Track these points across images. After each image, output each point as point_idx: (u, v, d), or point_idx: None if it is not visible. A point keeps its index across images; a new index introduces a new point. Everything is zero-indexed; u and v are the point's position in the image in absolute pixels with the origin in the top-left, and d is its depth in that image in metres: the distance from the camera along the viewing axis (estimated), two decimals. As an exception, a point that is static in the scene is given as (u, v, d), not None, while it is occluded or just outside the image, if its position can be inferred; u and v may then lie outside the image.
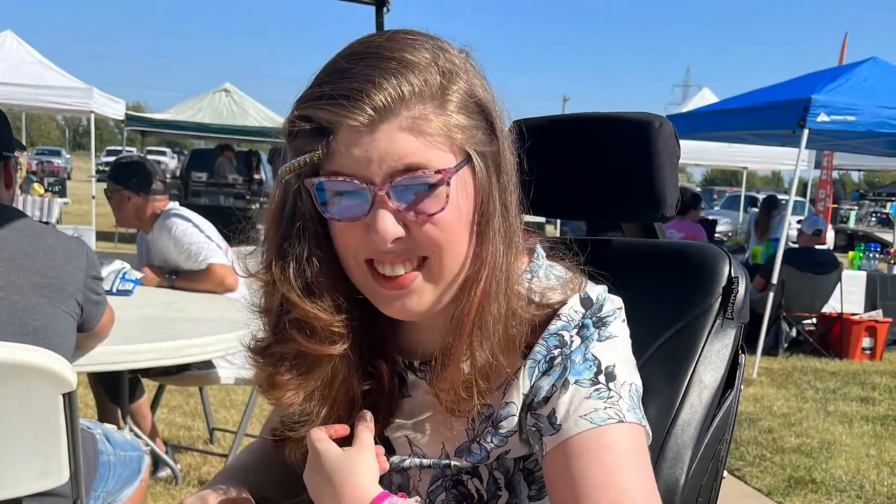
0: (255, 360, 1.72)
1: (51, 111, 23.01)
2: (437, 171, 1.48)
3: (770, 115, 11.97)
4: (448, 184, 1.50)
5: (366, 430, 1.67)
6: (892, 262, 14.52)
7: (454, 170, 1.51)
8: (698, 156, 23.91)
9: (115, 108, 23.14)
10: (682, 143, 2.11)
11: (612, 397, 1.56)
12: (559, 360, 1.61)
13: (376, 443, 1.69)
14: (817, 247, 13.11)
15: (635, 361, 1.69)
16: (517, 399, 1.64)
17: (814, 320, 13.16)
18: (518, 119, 1.97)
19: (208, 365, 5.75)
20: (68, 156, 71.69)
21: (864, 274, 13.62)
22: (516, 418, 1.65)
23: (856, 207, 41.14)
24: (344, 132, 1.46)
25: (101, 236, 21.09)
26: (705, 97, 25.50)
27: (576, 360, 1.59)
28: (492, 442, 1.67)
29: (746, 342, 2.04)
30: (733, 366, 1.96)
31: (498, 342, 1.60)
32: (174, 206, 6.18)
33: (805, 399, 9.80)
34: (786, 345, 12.62)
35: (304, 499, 1.83)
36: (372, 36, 1.57)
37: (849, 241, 31.82)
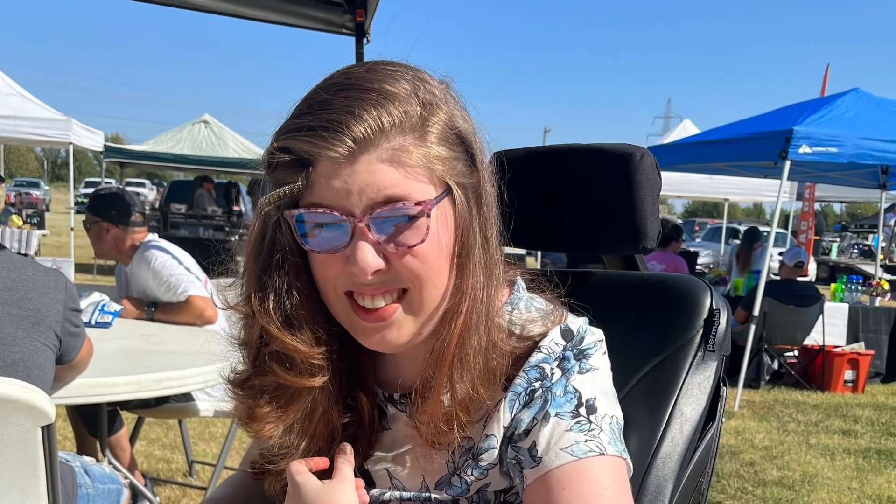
0: (235, 393, 1.71)
1: (30, 143, 23.00)
2: (418, 203, 1.47)
3: (752, 146, 12.01)
4: (428, 215, 1.49)
5: (346, 462, 1.66)
6: (874, 294, 14.55)
7: (434, 201, 1.50)
8: (680, 187, 24.01)
9: (93, 140, 23.20)
10: (664, 174, 2.11)
11: (592, 430, 1.55)
12: (540, 392, 1.60)
13: (356, 475, 1.68)
14: (799, 279, 13.14)
15: (616, 394, 1.68)
16: (498, 432, 1.63)
17: (796, 352, 13.17)
18: (499, 150, 1.97)
19: (187, 397, 5.74)
20: (47, 187, 71.78)
21: (846, 306, 13.65)
22: (497, 451, 1.64)
23: (838, 239, 41.27)
24: (324, 163, 1.46)
25: (80, 268, 21.06)
26: (687, 128, 25.66)
27: (556, 393, 1.59)
28: (472, 475, 1.66)
29: (728, 374, 2.04)
30: (715, 398, 1.95)
31: (478, 374, 1.59)
32: (153, 237, 6.18)
33: (787, 432, 9.80)
34: (767, 377, 12.64)
35: (284, 532, 1.82)
36: (352, 67, 1.57)
37: (831, 272, 31.90)
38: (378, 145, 1.45)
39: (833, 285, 14.87)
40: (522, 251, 14.01)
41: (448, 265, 1.57)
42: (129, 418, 6.39)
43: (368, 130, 1.44)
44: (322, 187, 1.47)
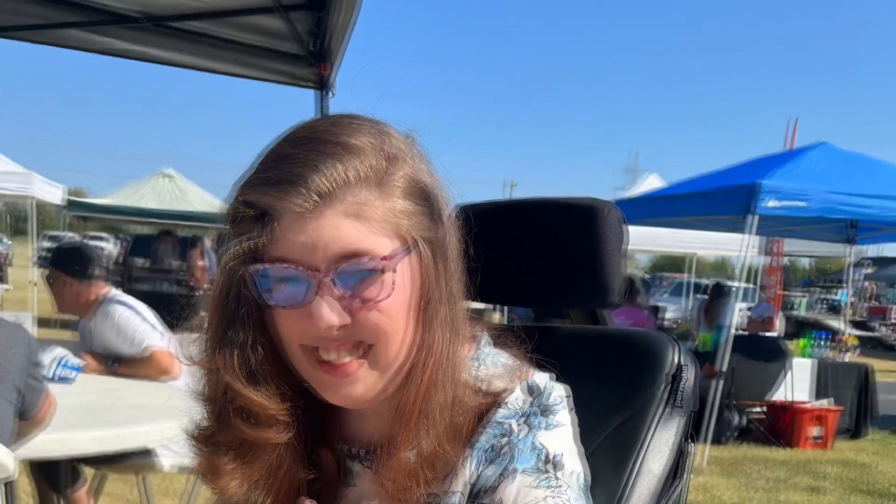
0: (199, 449, 1.69)
1: (-10, 196, 23.02)
2: (384, 258, 1.47)
3: (719, 200, 12.07)
4: (394, 270, 1.48)
5: (309, 520, 1.64)
6: (842, 349, 14.61)
7: (400, 256, 1.50)
8: (646, 241, 24.06)
9: (55, 194, 23.13)
10: (630, 228, 2.11)
11: (559, 486, 1.54)
12: (505, 448, 1.59)
13: (320, 532, 1.67)
14: (766, 334, 13.20)
15: (583, 450, 1.67)
16: (462, 488, 1.61)
17: (763, 408, 13.20)
18: (464, 204, 1.96)
19: (150, 453, 5.69)
20: (9, 241, 71.34)
21: (813, 362, 13.69)
22: (461, 508, 1.62)
23: (805, 294, 41.53)
24: (287, 218, 1.45)
25: (42, 322, 20.90)
26: (653, 183, 25.74)
27: (522, 449, 1.57)
28: (437, 531, 1.64)
29: (694, 429, 2.03)
30: (681, 454, 1.95)
31: (444, 430, 1.58)
32: (116, 292, 6.21)
33: (755, 488, 9.80)
34: (736, 433, 12.64)
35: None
36: (315, 121, 1.57)
37: (798, 328, 32.08)
38: (343, 199, 1.45)
39: (800, 341, 14.93)
40: (490, 306, 14.00)
41: (413, 320, 1.57)
42: (91, 474, 6.34)
43: (333, 184, 1.44)
44: (286, 242, 1.46)
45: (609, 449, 1.90)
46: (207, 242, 19.86)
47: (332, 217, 1.45)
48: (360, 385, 1.58)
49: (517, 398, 1.64)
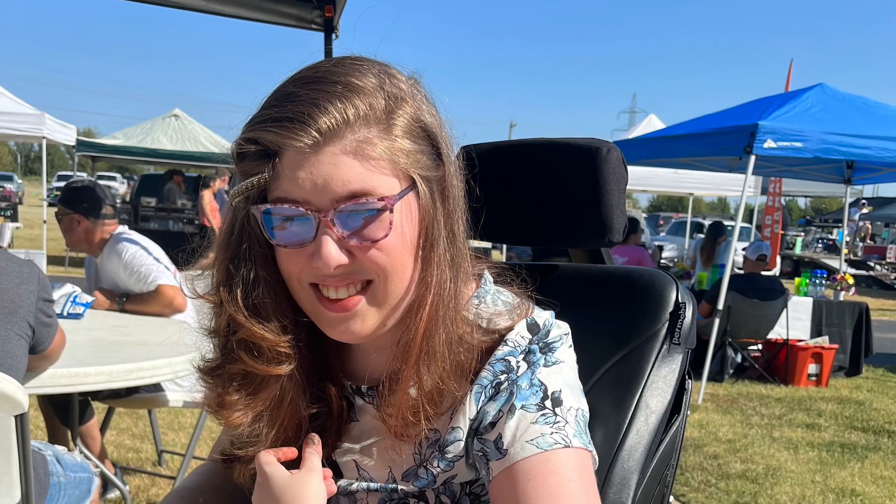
0: (205, 381, 1.73)
1: (3, 137, 22.95)
2: (381, 198, 1.49)
3: (717, 141, 12.01)
4: (392, 210, 1.50)
5: (314, 453, 1.67)
6: (838, 288, 14.62)
7: (398, 196, 1.52)
8: (645, 182, 24.07)
9: (66, 134, 23.11)
10: (629, 168, 2.12)
11: (558, 422, 1.56)
12: (506, 385, 1.61)
13: (324, 466, 1.70)
14: (764, 273, 13.19)
15: (582, 386, 1.69)
16: (464, 424, 1.64)
17: (759, 346, 13.23)
18: (466, 145, 1.97)
19: (157, 388, 5.77)
20: (20, 181, 71.52)
21: (810, 300, 13.70)
22: (463, 443, 1.65)
23: (802, 234, 41.55)
24: (289, 154, 1.47)
25: (52, 260, 21.05)
26: (652, 123, 25.68)
27: (522, 386, 1.60)
28: (438, 466, 1.67)
29: (692, 368, 2.05)
30: (680, 391, 1.96)
31: (446, 367, 1.60)
32: (123, 230, 6.23)
33: (750, 425, 9.85)
34: (731, 371, 12.68)
35: (253, 521, 1.83)
36: (320, 62, 1.59)
37: (795, 267, 32.13)
38: (343, 137, 1.47)
39: (797, 279, 14.93)
40: (488, 245, 14.00)
41: (412, 258, 1.59)
42: (99, 408, 6.42)
43: (333, 122, 1.46)
44: (287, 179, 1.48)
45: (608, 385, 1.92)
46: (219, 183, 19.77)
47: (332, 154, 1.47)
48: (358, 320, 1.60)
49: (518, 336, 1.66)
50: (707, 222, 27.62)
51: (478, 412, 1.63)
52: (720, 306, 11.03)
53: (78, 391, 4.72)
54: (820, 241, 39.33)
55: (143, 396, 5.82)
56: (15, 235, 23.96)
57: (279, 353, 1.64)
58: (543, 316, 1.71)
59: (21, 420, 3.20)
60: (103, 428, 6.57)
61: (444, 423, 1.67)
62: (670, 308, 1.98)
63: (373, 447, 1.76)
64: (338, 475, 1.80)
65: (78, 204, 6.03)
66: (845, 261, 19.35)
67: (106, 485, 5.94)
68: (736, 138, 11.19)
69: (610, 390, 1.91)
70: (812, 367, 12.57)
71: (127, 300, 5.96)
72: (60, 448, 4.09)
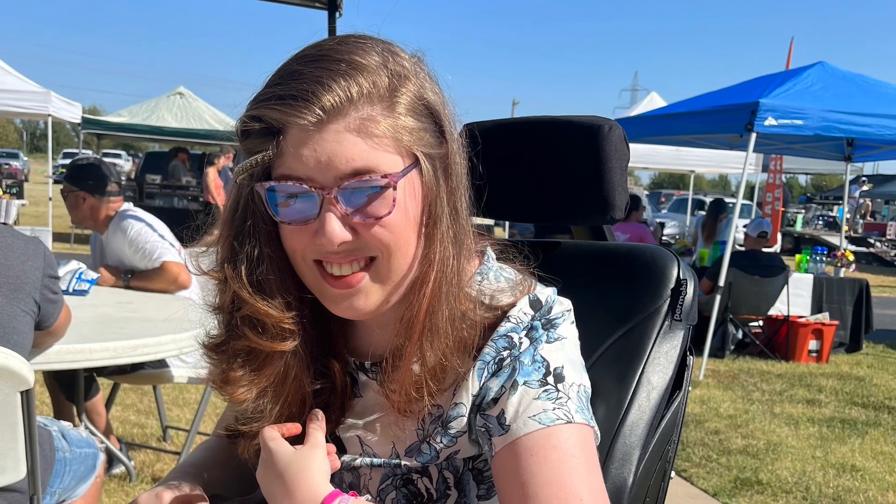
0: (210, 357, 1.74)
1: (9, 114, 23.05)
2: (385, 175, 1.50)
3: (718, 118, 11.99)
4: (395, 188, 1.51)
5: (317, 428, 1.68)
6: (838, 265, 14.62)
7: (401, 174, 1.52)
8: (646, 159, 24.04)
9: (71, 112, 23.13)
10: (631, 146, 2.12)
11: (560, 398, 1.57)
12: (508, 361, 1.63)
13: (328, 442, 1.70)
14: (765, 250, 13.18)
15: (584, 363, 1.70)
16: (466, 400, 1.65)
17: (760, 323, 13.24)
18: (469, 123, 1.98)
19: (162, 364, 5.80)
20: (26, 158, 71.59)
21: (810, 277, 13.70)
22: (465, 419, 1.66)
23: (802, 211, 41.50)
24: (293, 132, 1.48)
25: (58, 237, 21.07)
26: (653, 101, 25.60)
27: (524, 362, 1.61)
28: (441, 442, 1.69)
29: (693, 344, 2.06)
30: (681, 367, 1.98)
31: (449, 343, 1.61)
32: (128, 207, 6.24)
33: (751, 401, 9.87)
34: (732, 347, 12.70)
35: (257, 496, 1.86)
36: (323, 40, 1.59)
37: (796, 244, 32.12)
38: (346, 115, 1.47)
39: (798, 256, 14.93)
40: (490, 221, 14.01)
41: (416, 235, 1.60)
42: (104, 384, 6.43)
43: (337, 99, 1.46)
44: (291, 157, 1.49)
45: (610, 362, 1.93)
46: (223, 160, 19.79)
47: (335, 132, 1.47)
48: (362, 297, 1.61)
49: (520, 312, 1.67)
50: (708, 199, 27.60)
51: (480, 388, 1.64)
52: (721, 283, 11.03)
53: (83, 367, 4.75)
54: (820, 217, 39.28)
55: (148, 372, 5.85)
56: (21, 213, 23.97)
57: (283, 330, 1.65)
58: (546, 292, 1.72)
59: (27, 396, 3.22)
60: (108, 404, 6.60)
61: (447, 398, 1.68)
62: (672, 285, 1.99)
63: (376, 423, 1.78)
64: (341, 451, 1.81)
65: (83, 181, 6.04)
66: (846, 238, 19.34)
67: (111, 460, 5.96)
68: (737, 116, 11.18)
69: (612, 366, 1.92)
70: (812, 344, 12.58)
71: (132, 277, 5.96)
72: (66, 424, 4.10)
